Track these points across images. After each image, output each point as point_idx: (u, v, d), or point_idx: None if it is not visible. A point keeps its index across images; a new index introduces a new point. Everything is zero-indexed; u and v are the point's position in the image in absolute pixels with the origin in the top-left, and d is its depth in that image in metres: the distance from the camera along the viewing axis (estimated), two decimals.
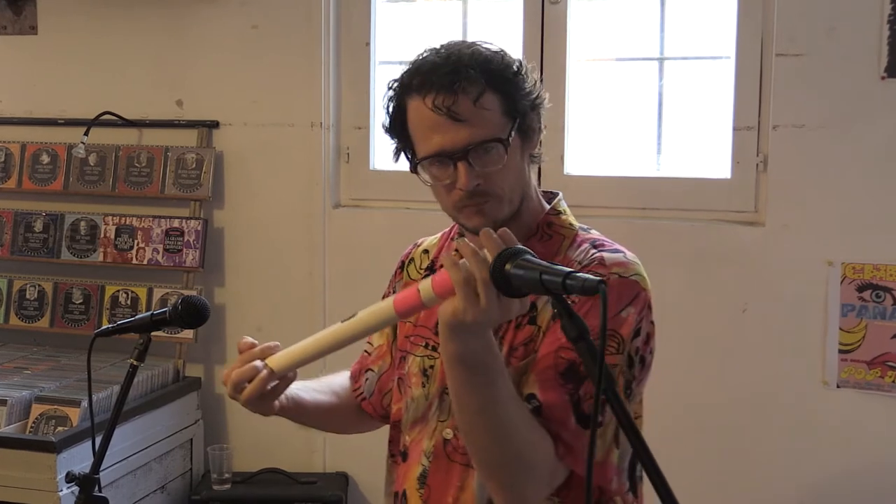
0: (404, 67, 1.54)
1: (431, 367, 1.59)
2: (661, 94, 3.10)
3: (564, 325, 1.20)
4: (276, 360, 1.53)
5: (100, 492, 1.66)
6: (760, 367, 2.92)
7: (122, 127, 3.44)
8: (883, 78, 2.75)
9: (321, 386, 1.75)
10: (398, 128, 1.54)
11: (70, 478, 1.65)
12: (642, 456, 1.14)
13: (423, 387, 1.60)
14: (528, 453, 1.38)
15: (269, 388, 1.54)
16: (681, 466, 2.76)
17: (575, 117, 3.12)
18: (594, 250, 1.51)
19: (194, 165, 3.34)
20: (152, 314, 1.69)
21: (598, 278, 1.14)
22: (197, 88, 3.41)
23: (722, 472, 2.97)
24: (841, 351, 2.83)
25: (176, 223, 3.33)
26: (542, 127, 1.57)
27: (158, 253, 3.33)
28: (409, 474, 1.61)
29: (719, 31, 2.98)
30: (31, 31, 3.54)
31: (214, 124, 3.38)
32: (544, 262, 1.22)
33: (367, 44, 3.26)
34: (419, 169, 1.52)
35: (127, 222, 3.38)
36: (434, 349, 1.59)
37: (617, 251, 1.53)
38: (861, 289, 2.81)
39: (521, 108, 1.50)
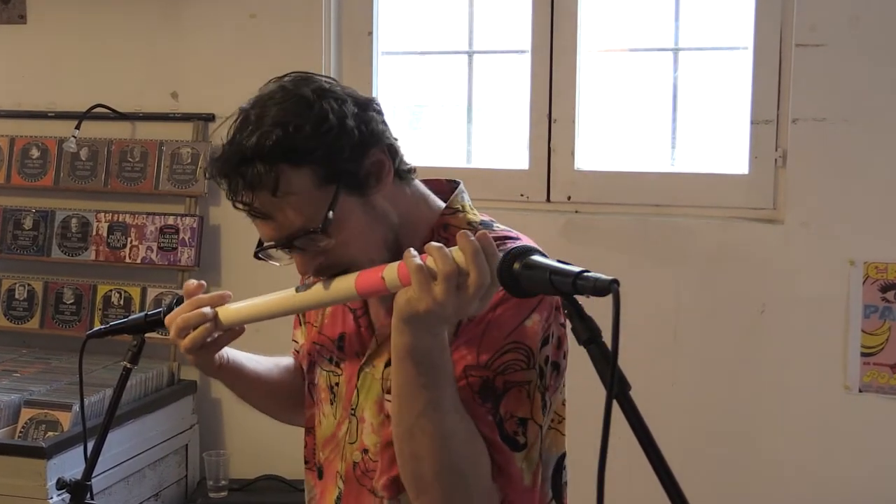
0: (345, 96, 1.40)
1: (336, 384, 1.54)
2: (675, 87, 3.05)
3: (575, 326, 1.15)
4: (226, 312, 1.51)
5: (92, 499, 1.63)
6: (778, 370, 2.87)
7: (115, 120, 3.39)
8: None
9: (266, 361, 1.70)
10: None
11: (61, 485, 1.62)
12: (654, 460, 1.09)
13: (332, 404, 1.55)
14: (465, 468, 1.32)
15: (213, 337, 1.51)
16: (695, 472, 2.72)
17: (586, 110, 3.08)
18: None
19: (190, 160, 3.29)
20: (146, 315, 1.64)
21: (610, 278, 1.09)
22: (192, 80, 3.36)
23: (738, 479, 2.92)
24: (863, 354, 2.78)
25: (171, 220, 3.28)
26: (388, 146, 1.41)
27: (152, 251, 3.28)
28: (327, 496, 1.57)
29: (736, 20, 2.94)
30: (20, 20, 3.50)
31: (210, 117, 3.33)
32: (553, 262, 1.17)
33: (370, 33, 3.22)
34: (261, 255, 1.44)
35: (120, 219, 3.33)
36: (337, 364, 1.54)
37: None
38: (884, 289, 2.76)
39: (341, 168, 1.35)
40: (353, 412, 1.50)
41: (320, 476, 1.59)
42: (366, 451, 1.47)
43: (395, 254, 1.36)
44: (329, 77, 1.44)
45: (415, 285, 1.21)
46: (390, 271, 1.29)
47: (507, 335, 1.35)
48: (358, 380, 1.49)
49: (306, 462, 1.63)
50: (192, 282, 1.54)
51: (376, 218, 1.40)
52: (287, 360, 1.73)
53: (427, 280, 1.21)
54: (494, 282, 1.21)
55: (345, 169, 1.36)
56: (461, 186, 1.53)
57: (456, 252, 1.22)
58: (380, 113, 1.43)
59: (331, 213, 1.34)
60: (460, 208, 1.50)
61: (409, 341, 1.26)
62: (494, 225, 1.49)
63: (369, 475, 1.47)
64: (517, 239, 1.43)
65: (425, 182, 1.51)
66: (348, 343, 1.52)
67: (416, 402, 1.28)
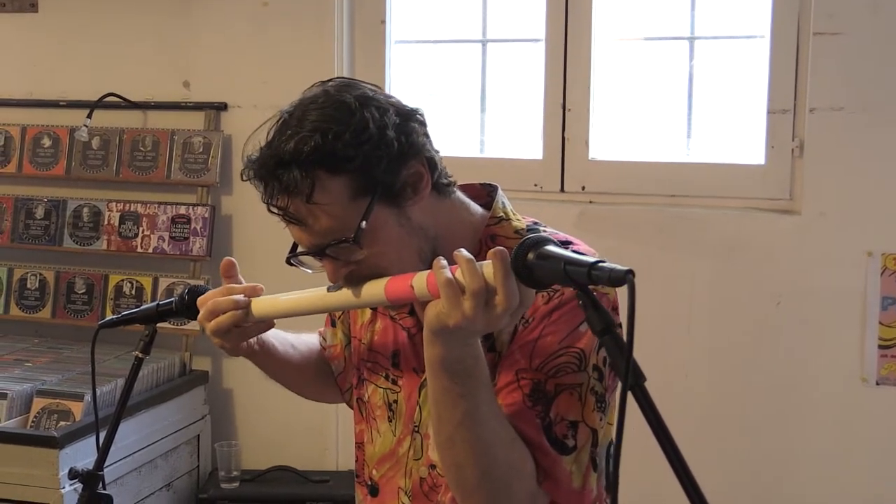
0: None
1: (395, 401, 1.53)
2: (691, 76, 3.03)
3: (590, 317, 1.15)
4: (258, 305, 1.50)
5: (104, 489, 1.62)
6: (795, 363, 2.85)
7: (127, 109, 3.37)
8: None
9: (295, 340, 1.69)
10: None
11: (73, 474, 1.62)
12: (669, 451, 1.09)
13: (390, 421, 1.54)
14: (507, 475, 1.32)
15: (241, 327, 1.49)
16: (710, 466, 2.69)
17: (601, 100, 3.05)
18: None
19: (201, 149, 3.27)
20: (158, 304, 1.64)
21: (625, 268, 1.09)
22: (204, 69, 3.34)
23: (754, 473, 2.90)
24: (881, 346, 2.76)
25: (182, 210, 3.27)
26: (427, 159, 1.39)
27: (164, 241, 3.27)
28: None
29: (753, 8, 2.92)
30: (32, 9, 3.48)
31: (223, 106, 3.31)
32: (567, 252, 1.17)
33: (383, 22, 3.20)
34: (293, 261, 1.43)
35: (131, 209, 3.31)
36: (395, 382, 1.53)
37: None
38: None
39: (377, 179, 1.33)
40: (416, 429, 1.49)
41: (373, 493, 1.57)
42: (433, 466, 1.47)
43: (431, 266, 1.33)
44: (373, 84, 1.41)
45: (444, 299, 1.21)
46: (419, 280, 1.29)
47: (561, 340, 1.34)
48: (419, 396, 1.48)
49: (357, 476, 1.63)
50: (230, 259, 1.54)
51: (411, 230, 1.38)
52: (313, 339, 1.73)
53: (456, 295, 1.20)
54: (524, 303, 1.20)
55: (381, 180, 1.33)
56: (500, 192, 1.50)
57: (486, 266, 1.20)
58: (423, 124, 1.41)
59: (364, 223, 1.33)
60: (504, 216, 1.47)
61: (440, 353, 1.26)
62: (541, 229, 1.47)
63: (437, 490, 1.47)
64: (568, 243, 1.40)
65: (460, 187, 1.48)
66: (404, 360, 1.51)
67: (454, 412, 1.28)
